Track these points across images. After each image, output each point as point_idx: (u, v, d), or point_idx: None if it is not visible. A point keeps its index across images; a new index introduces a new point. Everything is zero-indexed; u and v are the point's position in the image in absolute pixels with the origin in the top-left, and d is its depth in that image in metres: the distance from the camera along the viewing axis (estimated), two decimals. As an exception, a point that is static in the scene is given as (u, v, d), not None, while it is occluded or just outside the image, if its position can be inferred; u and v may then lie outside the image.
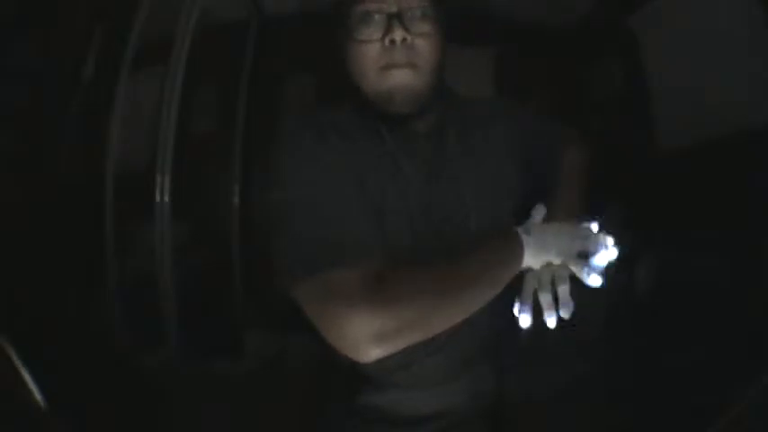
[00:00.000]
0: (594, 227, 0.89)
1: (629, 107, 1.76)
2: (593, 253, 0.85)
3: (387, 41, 0.84)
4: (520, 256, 0.84)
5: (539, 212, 0.93)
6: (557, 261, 0.85)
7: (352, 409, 0.92)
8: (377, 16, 0.85)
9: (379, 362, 0.71)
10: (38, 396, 0.94)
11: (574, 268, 0.84)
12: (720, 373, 1.14)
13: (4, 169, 1.24)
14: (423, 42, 0.85)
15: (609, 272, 0.85)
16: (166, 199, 1.45)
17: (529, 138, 1.02)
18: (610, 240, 0.85)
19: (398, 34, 0.83)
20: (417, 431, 0.92)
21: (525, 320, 0.83)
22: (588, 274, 0.83)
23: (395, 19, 0.83)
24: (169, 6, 1.49)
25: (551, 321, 0.82)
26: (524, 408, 1.28)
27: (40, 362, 0.96)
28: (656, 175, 1.66)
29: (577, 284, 0.85)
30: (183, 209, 1.47)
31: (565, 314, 0.81)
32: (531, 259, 0.85)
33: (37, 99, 1.29)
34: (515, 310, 0.84)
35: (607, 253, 0.84)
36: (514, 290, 0.84)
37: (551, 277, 0.84)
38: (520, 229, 0.86)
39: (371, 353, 0.71)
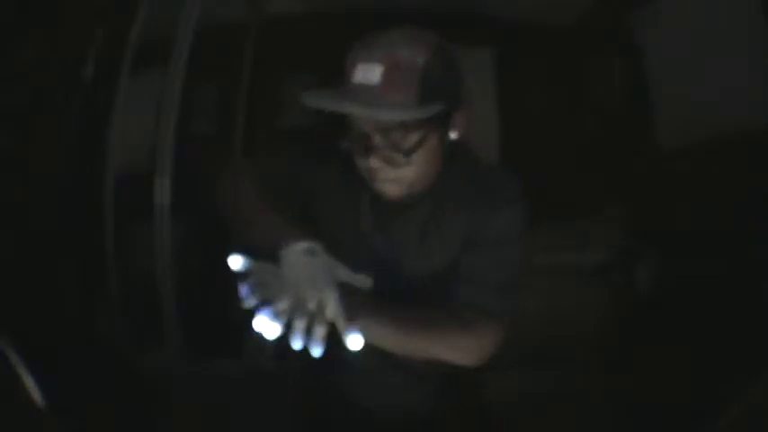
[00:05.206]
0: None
1: (630, 107, 1.76)
2: None
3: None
4: None
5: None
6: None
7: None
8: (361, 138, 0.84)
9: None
10: (38, 396, 0.94)
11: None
12: (720, 373, 1.14)
13: (5, 169, 1.24)
14: (408, 161, 0.83)
15: (609, 272, 0.85)
16: (166, 199, 1.45)
17: (485, 238, 0.91)
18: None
19: (374, 163, 0.83)
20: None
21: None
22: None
23: (372, 150, 0.82)
24: (169, 6, 1.49)
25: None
26: (523, 407, 1.28)
27: (41, 362, 0.96)
28: (656, 175, 1.66)
29: (577, 284, 0.85)
30: (182, 209, 1.47)
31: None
32: None
33: (37, 99, 1.29)
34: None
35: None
36: None
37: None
38: None
39: None
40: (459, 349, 0.87)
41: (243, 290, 0.71)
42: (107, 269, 1.42)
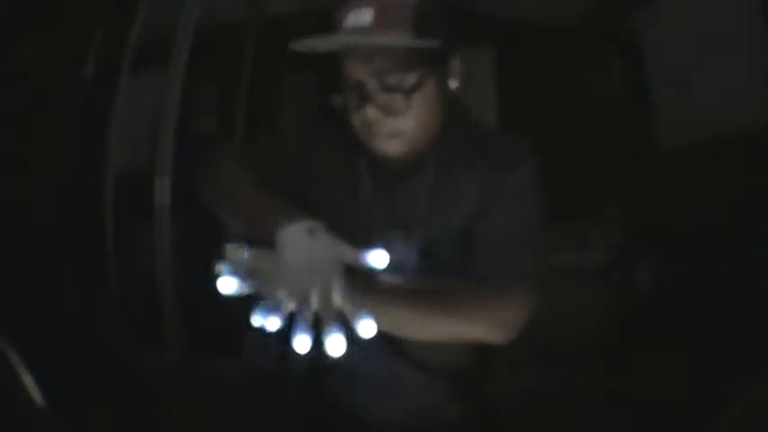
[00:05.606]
0: None
1: (630, 107, 1.76)
2: None
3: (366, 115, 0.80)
4: None
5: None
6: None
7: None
8: (356, 88, 0.81)
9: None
10: (38, 396, 0.94)
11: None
12: (720, 373, 1.14)
13: (5, 169, 1.24)
14: (407, 106, 0.80)
15: (609, 272, 0.84)
16: (166, 199, 1.45)
17: (498, 206, 0.86)
18: None
19: (371, 113, 0.81)
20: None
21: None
22: None
23: (368, 99, 0.79)
24: (169, 6, 1.49)
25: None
26: (524, 407, 1.28)
27: (41, 362, 0.96)
28: (656, 175, 1.66)
29: (577, 284, 0.84)
30: (182, 209, 1.47)
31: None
32: None
33: (37, 99, 1.30)
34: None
35: None
36: None
37: None
38: None
39: None
40: (487, 323, 0.79)
41: (225, 277, 0.64)
42: (107, 269, 1.42)
